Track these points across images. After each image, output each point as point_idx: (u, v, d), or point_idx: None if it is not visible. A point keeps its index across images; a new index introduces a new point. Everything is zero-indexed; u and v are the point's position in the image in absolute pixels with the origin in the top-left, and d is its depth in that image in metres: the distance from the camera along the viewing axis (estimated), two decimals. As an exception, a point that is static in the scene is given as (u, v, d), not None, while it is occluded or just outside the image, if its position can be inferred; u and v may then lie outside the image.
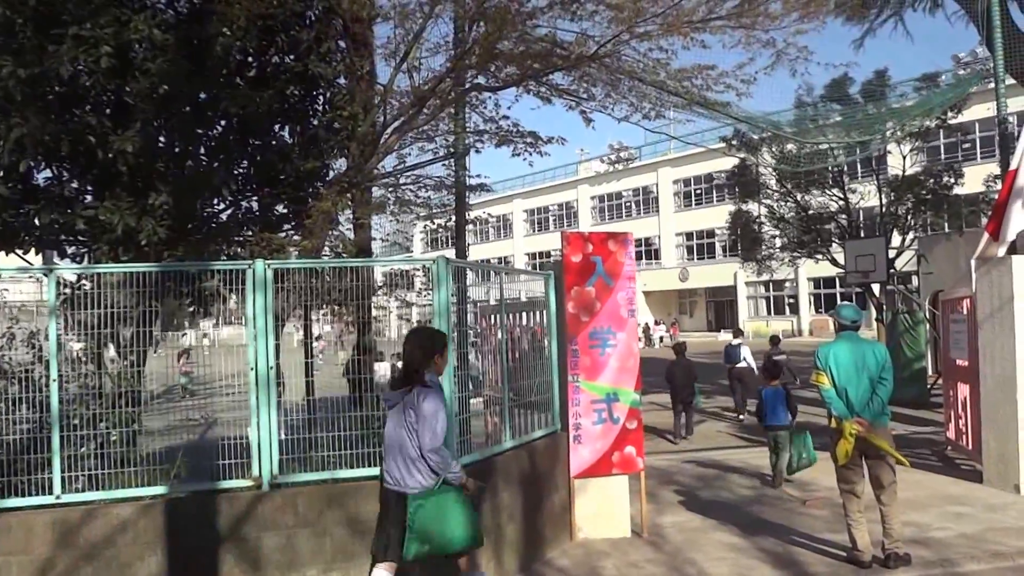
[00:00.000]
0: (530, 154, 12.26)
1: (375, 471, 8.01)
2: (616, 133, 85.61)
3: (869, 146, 23.41)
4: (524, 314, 10.94)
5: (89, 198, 8.84)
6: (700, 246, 67.00)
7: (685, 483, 13.48)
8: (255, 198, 10.07)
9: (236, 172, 9.44)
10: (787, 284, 56.38)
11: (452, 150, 11.95)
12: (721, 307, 65.95)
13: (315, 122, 10.31)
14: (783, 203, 27.87)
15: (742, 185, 28.97)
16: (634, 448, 10.48)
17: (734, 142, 27.83)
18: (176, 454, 7.95)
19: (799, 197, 27.24)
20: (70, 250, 9.06)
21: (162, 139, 8.95)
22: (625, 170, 71.78)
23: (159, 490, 7.59)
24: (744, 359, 21.51)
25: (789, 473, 12.91)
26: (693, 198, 67.52)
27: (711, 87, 11.43)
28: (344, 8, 9.39)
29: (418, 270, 9.61)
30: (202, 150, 9.42)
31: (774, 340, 22.83)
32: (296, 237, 9.99)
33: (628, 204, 73.47)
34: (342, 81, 10.40)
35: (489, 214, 24.59)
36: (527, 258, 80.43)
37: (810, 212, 27.21)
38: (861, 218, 28.70)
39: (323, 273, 8.71)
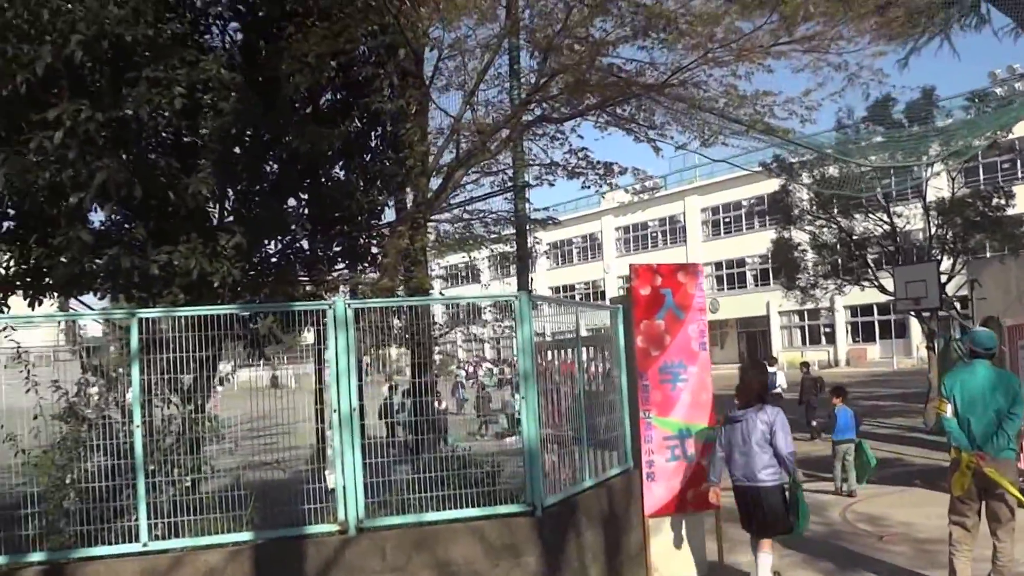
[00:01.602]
0: (600, 186, 12.11)
1: (463, 512, 7.88)
2: (639, 161, 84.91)
3: (917, 169, 23.08)
4: (588, 349, 10.70)
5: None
6: (730, 276, 66.44)
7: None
8: (321, 236, 9.93)
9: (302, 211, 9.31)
10: (823, 313, 55.64)
11: (513, 183, 11.81)
12: (753, 338, 65.17)
13: (377, 158, 10.19)
14: (826, 229, 27.47)
15: (782, 211, 28.58)
16: (709, 485, 10.17)
17: (773, 166, 27.55)
18: (256, 498, 7.80)
19: (842, 223, 26.82)
20: (131, 294, 8.92)
21: (234, 179, 8.86)
22: (651, 199, 71.48)
23: (245, 536, 7.45)
24: (779, 385, 21.65)
25: (860, 481, 13.99)
26: (722, 226, 67.05)
27: (773, 113, 11.23)
28: (406, 43, 9.31)
29: (490, 306, 9.49)
30: (267, 188, 9.32)
31: (804, 365, 23.41)
32: (372, 275, 9.88)
33: (654, 234, 73.15)
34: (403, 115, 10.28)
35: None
36: (550, 292, 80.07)
37: (854, 238, 26.79)
38: (906, 243, 28.24)
39: (397, 311, 8.60)
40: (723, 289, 66.66)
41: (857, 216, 27.17)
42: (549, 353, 10.04)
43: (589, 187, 12.19)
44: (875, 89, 10.85)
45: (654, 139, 11.10)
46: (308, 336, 9.96)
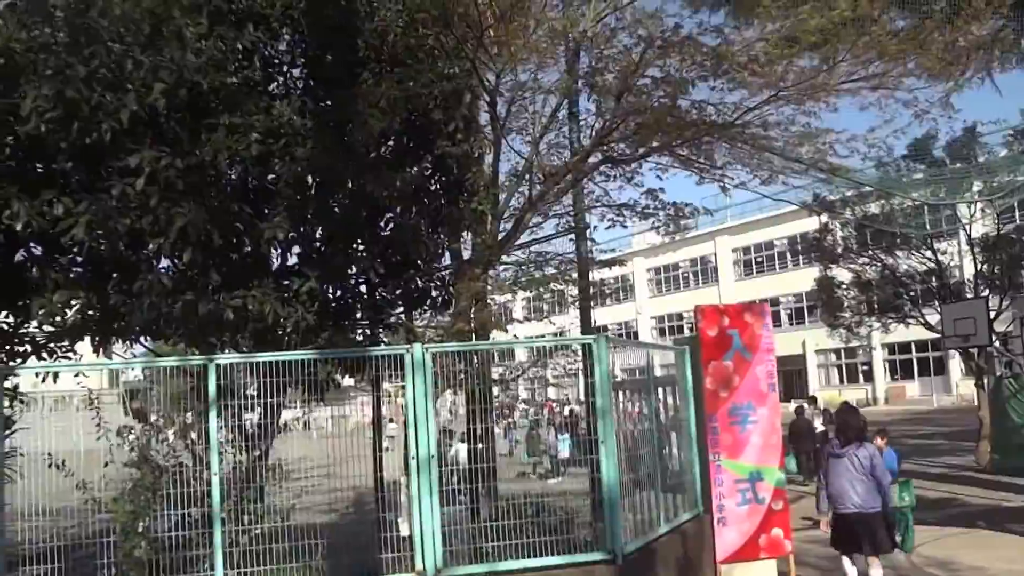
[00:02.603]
0: (668, 227, 12.03)
1: (541, 561, 7.72)
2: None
3: (963, 206, 22.84)
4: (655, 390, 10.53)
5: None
6: (763, 316, 65.88)
7: (817, 564, 12.84)
8: (387, 280, 9.88)
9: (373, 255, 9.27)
10: (859, 351, 54.95)
11: (574, 225, 11.76)
12: (789, 376, 64.28)
13: (442, 202, 10.17)
14: (869, 267, 27.15)
15: (824, 249, 28.30)
16: (781, 530, 9.94)
17: (811, 202, 27.33)
18: (328, 546, 7.66)
19: (885, 260, 26.50)
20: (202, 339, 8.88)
21: (305, 224, 8.85)
22: (682, 240, 71.25)
23: (323, 586, 7.32)
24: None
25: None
26: (754, 266, 66.66)
27: (835, 151, 11.13)
28: (481, 85, 9.33)
29: (561, 349, 9.39)
30: (338, 233, 9.29)
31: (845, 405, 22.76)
32: (443, 318, 9.82)
33: (686, 275, 72.82)
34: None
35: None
36: (568, 330, 79.56)
37: (898, 275, 26.45)
38: (951, 279, 27.83)
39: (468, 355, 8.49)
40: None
41: (899, 253, 26.86)
42: (619, 395, 9.91)
43: (658, 228, 12.12)
44: (944, 124, 10.73)
45: (721, 179, 11.04)
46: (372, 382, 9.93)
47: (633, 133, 9.67)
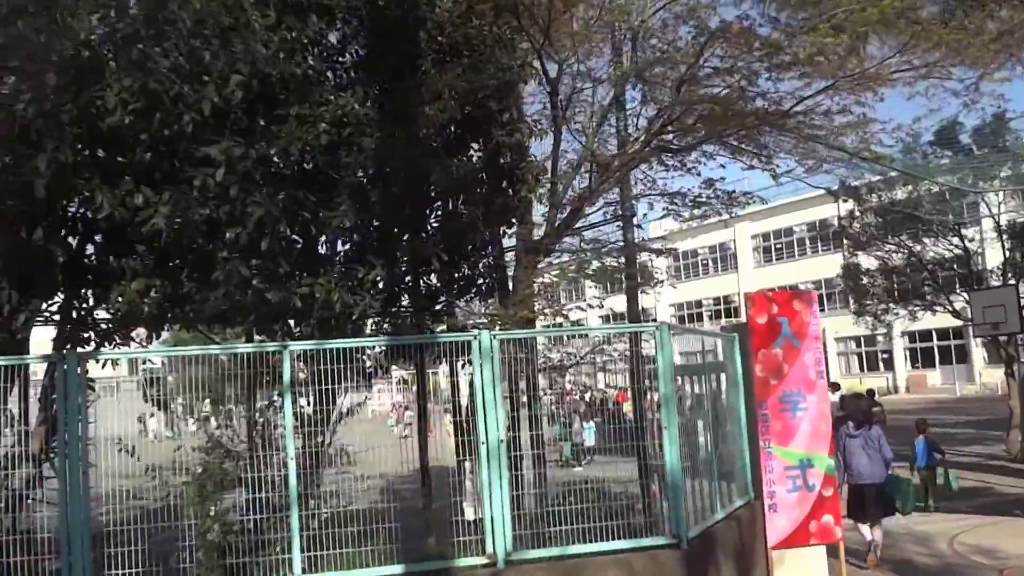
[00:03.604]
0: (720, 214, 12.12)
1: (608, 545, 7.85)
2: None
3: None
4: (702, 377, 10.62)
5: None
6: (783, 302, 65.65)
7: (858, 552, 12.95)
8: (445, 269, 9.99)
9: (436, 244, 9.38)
10: (879, 339, 54.77)
11: (622, 213, 11.84)
12: (808, 364, 64.19)
13: (496, 190, 10.26)
14: (895, 254, 27.12)
15: (851, 237, 28.28)
16: (831, 516, 10.03)
17: (836, 189, 27.28)
18: (395, 530, 7.78)
19: (913, 247, 26.46)
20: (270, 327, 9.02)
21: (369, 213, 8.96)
22: (700, 227, 71.02)
23: (396, 569, 7.46)
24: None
25: (943, 499, 16.07)
26: (773, 253, 66.42)
27: (880, 141, 11.18)
28: (544, 74, 9.40)
29: (620, 337, 9.48)
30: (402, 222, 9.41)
31: (869, 393, 23.61)
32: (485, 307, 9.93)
33: (704, 261, 72.65)
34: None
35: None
36: (600, 321, 79.70)
37: (924, 262, 26.42)
38: (980, 266, 27.77)
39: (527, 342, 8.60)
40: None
41: (926, 240, 26.80)
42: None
43: (710, 215, 12.22)
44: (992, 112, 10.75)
45: (771, 167, 11.11)
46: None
47: (694, 123, 9.74)
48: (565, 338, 8.91)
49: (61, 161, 6.78)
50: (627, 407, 23.50)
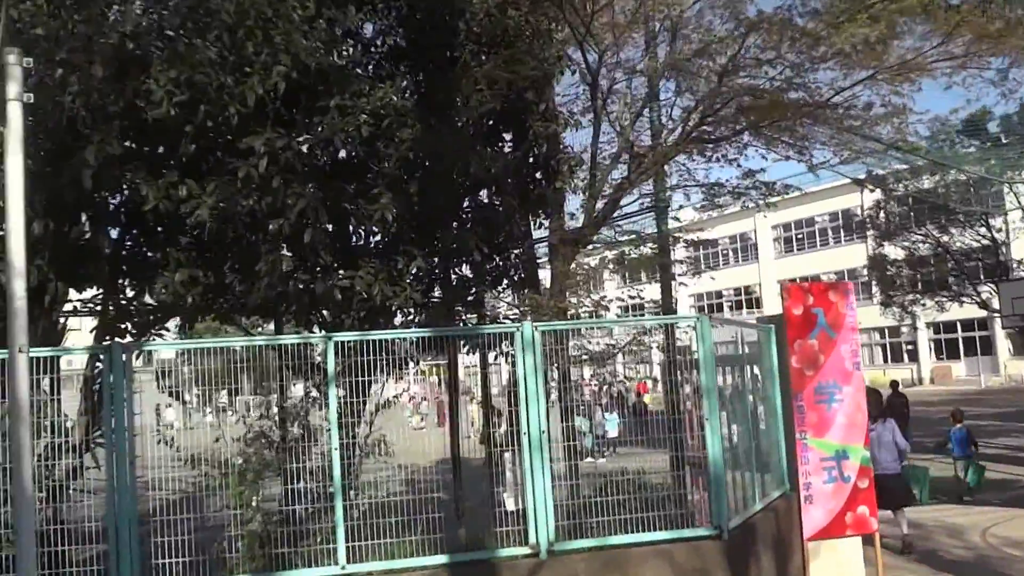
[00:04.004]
0: (757, 205, 12.06)
1: (650, 536, 7.86)
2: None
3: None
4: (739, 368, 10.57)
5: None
6: (804, 292, 65.19)
7: (892, 545, 12.90)
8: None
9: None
10: (903, 331, 54.37)
11: (656, 203, 11.82)
12: (830, 355, 63.73)
13: (532, 181, 10.26)
14: (922, 244, 26.96)
15: (877, 226, 28.12)
16: (867, 508, 9.98)
17: (864, 179, 27.13)
18: (436, 520, 7.80)
19: (941, 237, 26.30)
20: (310, 318, 9.06)
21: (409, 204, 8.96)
22: (720, 217, 70.61)
23: (441, 559, 7.48)
24: None
25: (973, 485, 16.33)
26: (794, 243, 66.04)
27: (916, 132, 11.09)
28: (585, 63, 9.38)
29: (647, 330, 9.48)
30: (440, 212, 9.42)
31: (894, 384, 24.03)
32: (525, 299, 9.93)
33: (725, 252, 72.29)
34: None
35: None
36: (619, 311, 79.46)
37: (951, 252, 26.25)
38: (1007, 257, 27.55)
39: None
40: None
41: (953, 231, 26.63)
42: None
43: (748, 206, 12.17)
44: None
45: (807, 159, 11.05)
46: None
47: (735, 113, 9.70)
48: (596, 330, 8.92)
49: (109, 153, 6.82)
50: (647, 398, 23.45)
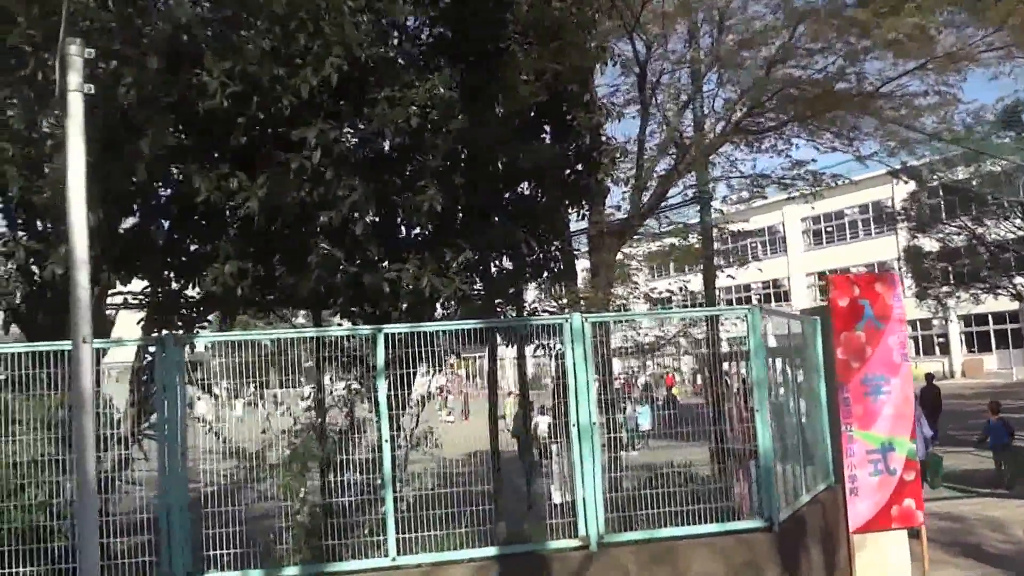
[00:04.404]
0: (806, 196, 11.97)
1: (699, 528, 7.81)
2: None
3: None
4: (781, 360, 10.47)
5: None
6: (834, 286, 64.56)
7: (935, 538, 12.78)
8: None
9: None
10: (935, 323, 53.77)
11: (699, 194, 11.74)
12: (859, 348, 63.13)
13: (573, 173, 10.20)
14: (957, 236, 26.64)
15: (911, 218, 27.82)
16: (913, 501, 9.88)
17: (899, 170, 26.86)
18: (482, 512, 7.77)
19: (974, 228, 25.97)
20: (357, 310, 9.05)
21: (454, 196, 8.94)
22: (748, 210, 70.07)
23: (490, 551, 7.45)
24: None
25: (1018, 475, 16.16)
26: (824, 236, 65.52)
27: (962, 122, 10.95)
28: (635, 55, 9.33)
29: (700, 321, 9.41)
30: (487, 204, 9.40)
31: (929, 377, 23.65)
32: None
33: (753, 245, 71.81)
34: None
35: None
36: (647, 304, 79.05)
37: (987, 243, 25.91)
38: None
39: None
40: (826, 300, 64.77)
41: (988, 222, 26.30)
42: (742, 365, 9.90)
43: (794, 196, 12.10)
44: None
45: (857, 149, 10.95)
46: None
47: (784, 104, 9.61)
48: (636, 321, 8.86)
49: (164, 144, 6.84)
50: (676, 390, 23.32)
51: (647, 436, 18.54)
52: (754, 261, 67.20)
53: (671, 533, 7.77)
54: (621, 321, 8.62)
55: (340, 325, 9.43)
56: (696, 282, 14.44)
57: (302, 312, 10.89)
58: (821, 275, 65.36)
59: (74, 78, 5.03)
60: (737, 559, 7.71)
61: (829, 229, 64.92)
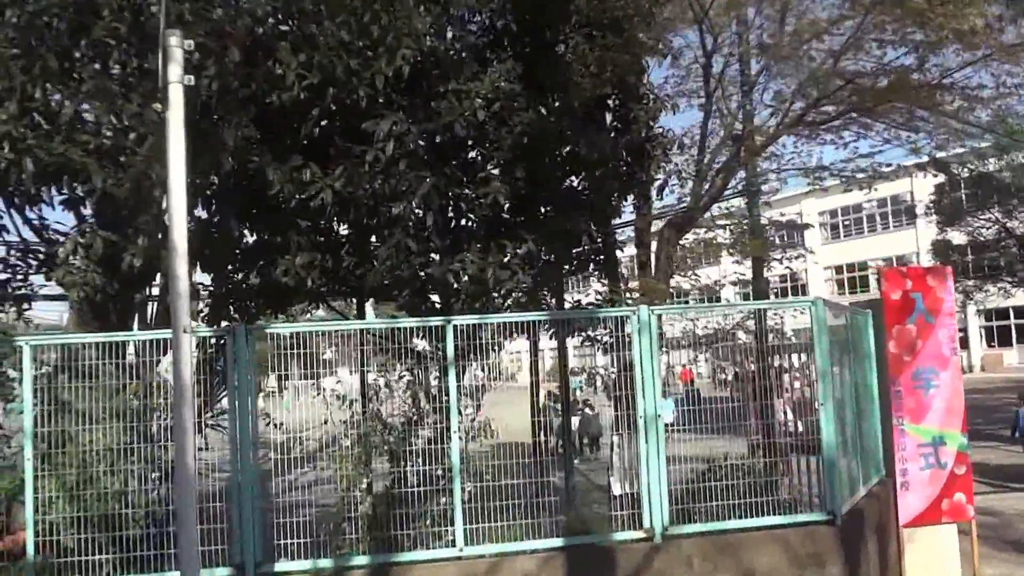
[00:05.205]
0: (862, 188, 11.94)
1: (763, 520, 7.84)
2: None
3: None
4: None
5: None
6: (852, 280, 64.45)
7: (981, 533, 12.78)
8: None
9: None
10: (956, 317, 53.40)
11: (747, 187, 11.75)
12: (879, 342, 62.91)
13: (629, 164, 10.22)
14: (986, 229, 26.48)
15: (941, 211, 27.65)
16: (963, 495, 9.87)
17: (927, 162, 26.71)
18: (545, 504, 7.81)
19: (1005, 221, 25.80)
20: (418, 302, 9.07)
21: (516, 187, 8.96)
22: (767, 203, 69.72)
23: (556, 542, 7.50)
24: None
25: None
26: (841, 230, 65.23)
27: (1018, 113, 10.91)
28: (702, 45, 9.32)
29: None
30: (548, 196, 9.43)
31: None
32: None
33: (771, 238, 71.46)
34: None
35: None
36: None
37: (1017, 236, 25.75)
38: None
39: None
40: (845, 293, 64.67)
41: (1019, 216, 26.10)
42: (795, 357, 9.93)
43: (851, 190, 12.06)
44: None
45: (915, 144, 10.93)
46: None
47: (849, 95, 9.59)
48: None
49: (247, 135, 6.88)
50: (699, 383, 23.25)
51: (669, 428, 18.59)
52: (772, 253, 66.92)
53: (736, 525, 7.80)
54: (680, 313, 8.60)
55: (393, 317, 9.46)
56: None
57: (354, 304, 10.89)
58: (839, 269, 65.31)
59: (174, 70, 5.08)
60: (800, 551, 7.74)
61: (847, 223, 64.59)
